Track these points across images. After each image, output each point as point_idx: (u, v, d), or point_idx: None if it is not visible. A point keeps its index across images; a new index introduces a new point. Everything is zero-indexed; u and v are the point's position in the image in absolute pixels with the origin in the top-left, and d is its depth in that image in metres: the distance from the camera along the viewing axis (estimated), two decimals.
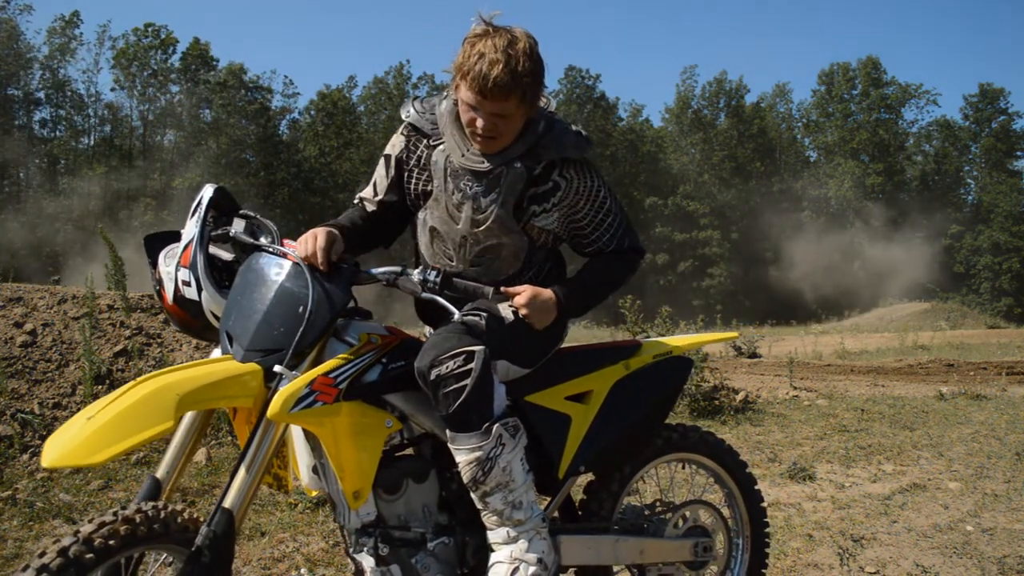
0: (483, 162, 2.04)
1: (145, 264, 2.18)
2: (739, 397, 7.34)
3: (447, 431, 1.96)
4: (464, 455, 1.93)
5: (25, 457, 4.43)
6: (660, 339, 2.50)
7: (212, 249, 2.12)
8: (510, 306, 2.08)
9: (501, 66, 1.85)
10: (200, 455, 4.54)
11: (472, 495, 1.99)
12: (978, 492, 4.59)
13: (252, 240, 2.05)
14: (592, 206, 2.14)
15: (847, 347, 16.77)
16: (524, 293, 2.05)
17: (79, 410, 4.81)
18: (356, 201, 2.29)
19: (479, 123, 1.95)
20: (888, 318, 34.11)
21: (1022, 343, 18.05)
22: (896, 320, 31.34)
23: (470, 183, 2.06)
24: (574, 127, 2.13)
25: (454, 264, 2.15)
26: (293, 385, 1.78)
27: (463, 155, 2.06)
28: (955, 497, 4.50)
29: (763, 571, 2.60)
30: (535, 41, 1.95)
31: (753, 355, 13.93)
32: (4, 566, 3.14)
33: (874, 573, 3.31)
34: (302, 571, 3.15)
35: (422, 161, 2.14)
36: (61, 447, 1.55)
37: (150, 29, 47.99)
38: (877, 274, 50.42)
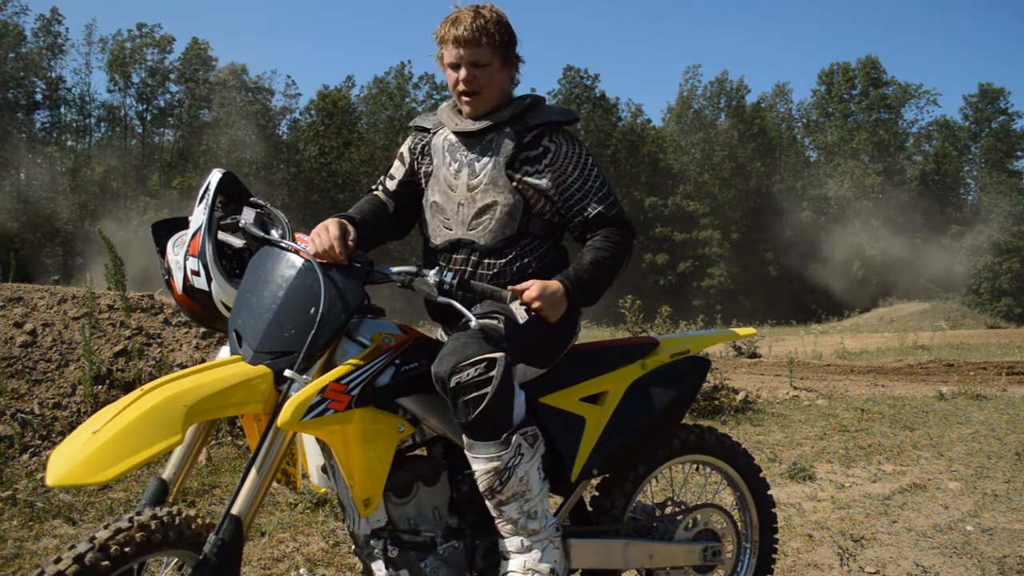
0: (474, 124, 2.19)
1: (151, 256, 2.12)
2: (739, 397, 7.33)
3: (464, 438, 1.94)
4: (482, 464, 1.91)
5: (25, 457, 4.42)
6: (677, 336, 2.45)
7: (221, 236, 2.05)
8: (521, 303, 2.07)
9: (470, 17, 2.11)
10: (200, 455, 4.54)
11: (487, 503, 1.97)
12: (978, 492, 4.59)
13: (262, 233, 1.98)
14: (581, 172, 2.21)
15: (847, 347, 16.76)
16: (532, 287, 2.05)
17: (79, 410, 4.84)
18: (373, 188, 2.37)
19: (462, 75, 2.12)
20: (888, 318, 34.12)
21: (1022, 343, 18.04)
22: (896, 320, 31.35)
23: (465, 153, 2.21)
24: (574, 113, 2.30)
25: (455, 232, 2.18)
26: (304, 393, 1.74)
27: (456, 124, 2.22)
28: (955, 497, 4.50)
29: None
30: (501, 11, 2.17)
31: (753, 355, 13.93)
32: (4, 566, 3.13)
33: (874, 573, 3.31)
34: (302, 571, 3.15)
35: (426, 149, 2.31)
36: (66, 463, 1.52)
37: (143, 29, 47.86)
38: (877, 274, 50.44)
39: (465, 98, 2.15)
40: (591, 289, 2.14)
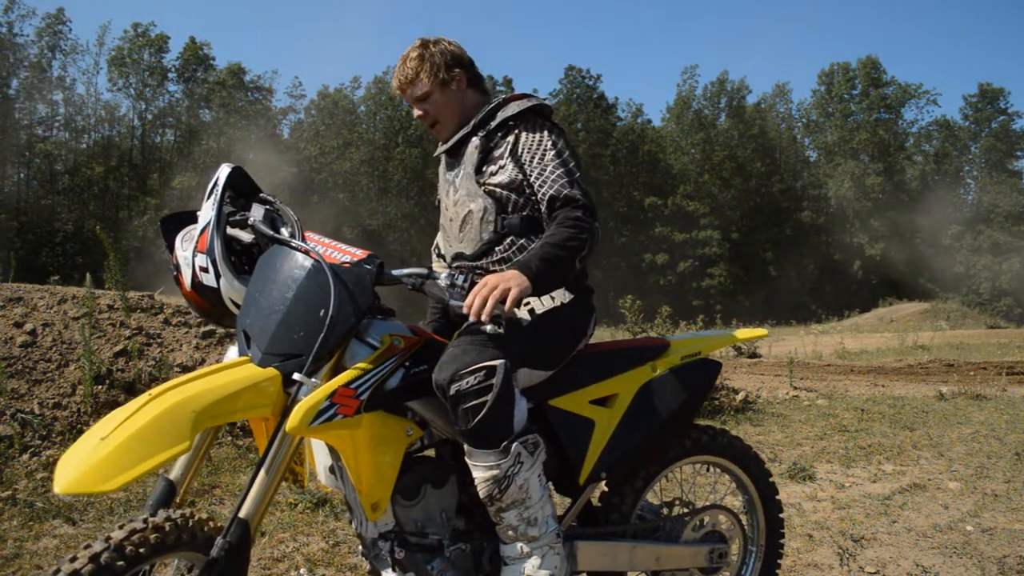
0: (445, 145, 2.30)
1: (153, 254, 2.12)
2: (739, 397, 7.34)
3: (465, 446, 1.94)
4: (481, 472, 1.91)
5: (25, 457, 4.42)
6: (688, 338, 2.41)
7: (230, 231, 2.01)
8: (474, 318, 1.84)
9: (398, 67, 2.26)
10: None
11: (488, 509, 1.97)
12: (978, 492, 4.59)
13: (272, 232, 1.94)
14: (539, 159, 2.13)
15: (847, 347, 16.76)
16: (481, 288, 1.85)
17: (79, 410, 4.84)
18: (433, 249, 2.53)
19: (416, 114, 2.27)
20: (888, 318, 34.09)
21: (1022, 343, 18.05)
22: (896, 320, 31.32)
23: (448, 173, 2.33)
24: (539, 99, 2.23)
25: (452, 247, 2.28)
26: (313, 398, 1.72)
27: (438, 150, 2.35)
28: (955, 497, 4.50)
29: None
30: (438, 38, 2.26)
31: (753, 355, 13.92)
32: (4, 566, 3.13)
33: (874, 573, 3.31)
34: (302, 571, 3.15)
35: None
36: (74, 471, 1.51)
37: (138, 28, 47.84)
38: (877, 274, 50.44)
39: (431, 129, 2.29)
40: (545, 271, 1.93)
